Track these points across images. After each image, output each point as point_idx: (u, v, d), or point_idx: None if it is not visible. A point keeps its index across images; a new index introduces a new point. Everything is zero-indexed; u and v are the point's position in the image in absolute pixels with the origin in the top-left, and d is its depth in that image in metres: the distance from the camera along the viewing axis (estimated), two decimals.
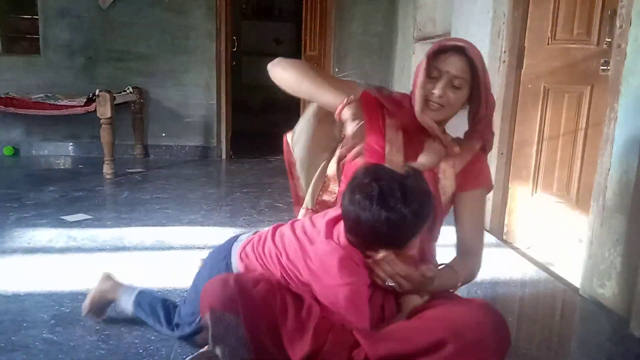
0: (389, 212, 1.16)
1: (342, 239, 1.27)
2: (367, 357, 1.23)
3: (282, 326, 1.25)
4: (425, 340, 1.19)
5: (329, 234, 1.29)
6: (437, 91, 1.43)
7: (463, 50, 1.42)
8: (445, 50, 1.44)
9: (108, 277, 1.82)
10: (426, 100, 1.46)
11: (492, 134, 1.60)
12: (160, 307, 1.67)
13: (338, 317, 1.27)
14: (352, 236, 1.25)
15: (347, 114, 1.35)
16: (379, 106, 1.52)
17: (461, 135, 1.59)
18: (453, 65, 1.43)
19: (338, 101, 1.37)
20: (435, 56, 1.45)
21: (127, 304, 1.73)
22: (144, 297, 1.72)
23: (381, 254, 1.24)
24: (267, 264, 1.38)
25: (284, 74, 1.49)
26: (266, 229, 1.48)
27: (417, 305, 1.35)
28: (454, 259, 1.50)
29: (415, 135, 1.52)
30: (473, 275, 1.53)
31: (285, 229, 1.41)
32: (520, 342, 1.79)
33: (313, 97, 1.47)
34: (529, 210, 2.87)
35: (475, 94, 1.47)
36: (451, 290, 1.48)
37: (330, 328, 1.26)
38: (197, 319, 1.48)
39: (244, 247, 1.45)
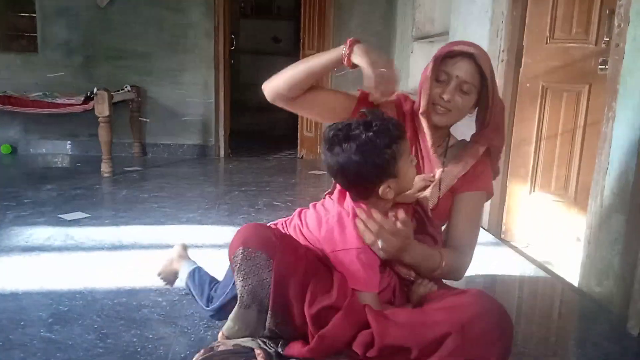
0: (354, 141, 1.20)
1: (351, 205, 1.32)
2: (371, 341, 1.24)
3: (313, 275, 1.29)
4: (432, 334, 1.21)
5: (340, 201, 1.35)
6: (446, 95, 1.45)
7: (473, 57, 1.43)
8: (455, 54, 1.45)
9: (182, 248, 1.92)
10: (433, 104, 1.47)
11: (502, 140, 1.59)
12: (207, 284, 1.70)
13: (351, 283, 1.30)
14: (346, 186, 1.31)
15: (363, 61, 1.38)
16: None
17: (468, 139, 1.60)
18: (462, 70, 1.44)
19: (336, 53, 1.43)
20: (443, 60, 1.46)
21: (183, 273, 1.80)
22: (199, 272, 1.76)
23: (382, 188, 1.26)
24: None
25: (278, 78, 1.51)
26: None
27: (424, 293, 1.38)
28: (442, 250, 1.49)
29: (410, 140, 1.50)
30: (456, 271, 1.50)
31: (310, 207, 1.48)
32: (519, 340, 1.79)
33: (313, 68, 1.48)
34: (527, 209, 2.87)
35: (483, 100, 1.49)
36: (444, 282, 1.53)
37: (349, 296, 1.28)
38: (228, 291, 1.49)
39: (275, 226, 1.51)
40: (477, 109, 1.56)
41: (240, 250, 1.26)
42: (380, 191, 1.26)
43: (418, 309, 1.30)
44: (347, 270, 1.30)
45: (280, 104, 1.55)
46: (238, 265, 1.26)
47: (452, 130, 1.65)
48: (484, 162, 1.57)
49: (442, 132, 1.58)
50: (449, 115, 1.49)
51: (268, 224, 1.49)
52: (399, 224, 1.29)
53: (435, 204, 1.51)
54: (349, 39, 1.43)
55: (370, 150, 1.19)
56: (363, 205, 1.31)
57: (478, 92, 1.48)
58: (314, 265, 1.33)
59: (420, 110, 1.49)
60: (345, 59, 1.42)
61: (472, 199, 1.55)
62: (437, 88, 1.47)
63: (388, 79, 1.38)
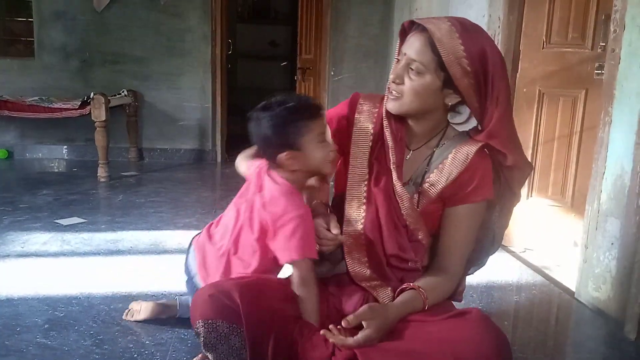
0: (268, 112, 1.32)
1: (279, 178, 1.35)
2: None
3: (298, 332, 1.23)
4: None
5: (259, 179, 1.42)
6: (391, 75, 1.27)
7: (426, 31, 1.22)
8: (413, 29, 1.27)
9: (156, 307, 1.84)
10: (388, 89, 1.30)
11: (511, 146, 1.30)
12: None
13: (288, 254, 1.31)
14: (260, 149, 1.40)
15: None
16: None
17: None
18: (412, 47, 1.25)
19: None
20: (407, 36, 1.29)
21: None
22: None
23: (283, 155, 1.31)
24: (215, 231, 1.47)
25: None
26: None
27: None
28: (425, 278, 1.33)
29: (398, 144, 1.34)
30: (444, 298, 1.34)
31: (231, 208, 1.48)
32: (516, 346, 1.79)
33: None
34: (525, 214, 2.87)
35: (459, 85, 1.23)
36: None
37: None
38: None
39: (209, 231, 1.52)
40: (462, 103, 1.29)
41: (201, 324, 1.19)
42: (282, 157, 1.32)
43: (412, 337, 1.19)
44: (285, 239, 1.31)
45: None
46: (203, 337, 1.19)
47: None
48: (486, 164, 1.30)
49: (422, 128, 1.34)
50: (398, 101, 1.27)
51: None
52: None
53: (415, 219, 1.33)
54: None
55: (278, 121, 1.31)
56: (276, 176, 1.35)
57: (439, 74, 1.23)
58: (282, 311, 1.25)
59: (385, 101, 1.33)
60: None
61: (468, 214, 1.32)
62: (393, 69, 1.29)
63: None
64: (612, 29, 2.04)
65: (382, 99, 1.38)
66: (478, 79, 1.22)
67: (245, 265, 1.37)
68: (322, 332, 1.16)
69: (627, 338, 1.87)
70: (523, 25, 2.78)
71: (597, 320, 2.04)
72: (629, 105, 1.95)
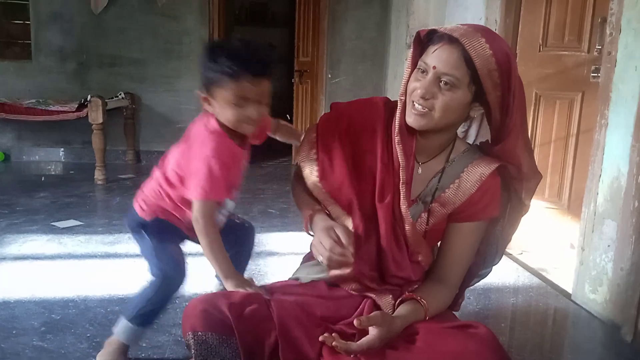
0: (213, 52, 1.34)
1: (212, 124, 1.36)
2: None
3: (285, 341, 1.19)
4: None
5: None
6: (420, 90, 1.18)
7: (458, 42, 1.15)
8: (439, 39, 1.19)
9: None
10: (412, 102, 1.21)
11: (528, 163, 1.27)
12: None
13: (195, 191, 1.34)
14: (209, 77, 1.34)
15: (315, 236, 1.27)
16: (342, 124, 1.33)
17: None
18: (440, 59, 1.16)
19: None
20: (427, 46, 1.22)
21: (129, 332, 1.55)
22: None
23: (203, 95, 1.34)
24: (148, 185, 1.51)
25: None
26: None
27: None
28: (425, 288, 1.31)
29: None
30: (444, 308, 1.33)
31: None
32: (513, 348, 1.79)
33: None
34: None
35: (484, 100, 1.20)
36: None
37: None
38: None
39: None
40: (483, 113, 1.27)
41: (190, 336, 1.16)
42: (198, 94, 1.36)
43: (415, 347, 1.15)
44: (192, 176, 1.34)
45: None
46: (194, 350, 1.17)
47: None
48: (495, 182, 1.27)
49: (437, 142, 1.29)
50: (428, 117, 1.19)
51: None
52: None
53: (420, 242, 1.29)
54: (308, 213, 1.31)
55: (208, 62, 1.32)
56: (211, 117, 1.36)
57: (471, 88, 1.18)
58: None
59: (397, 113, 1.24)
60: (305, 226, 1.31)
61: (472, 231, 1.30)
62: (416, 81, 1.20)
63: (338, 261, 1.21)
64: (608, 32, 2.05)
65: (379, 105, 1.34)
66: (504, 92, 1.19)
67: (165, 181, 1.45)
68: (321, 337, 1.15)
69: (624, 340, 1.88)
70: (520, 28, 2.79)
71: (593, 322, 2.04)
72: (625, 108, 1.95)
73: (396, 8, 4.86)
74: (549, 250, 2.74)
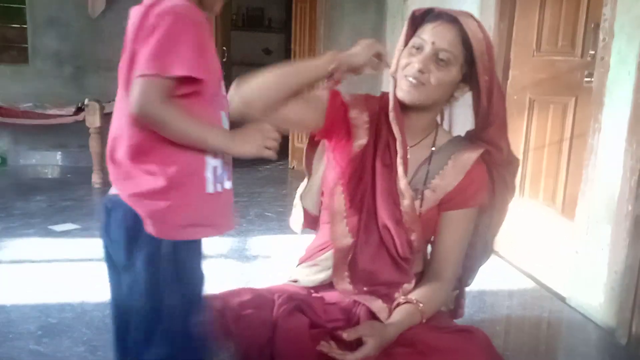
0: None
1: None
2: None
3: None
4: None
5: None
6: (417, 64, 1.20)
7: (457, 22, 1.19)
8: (436, 18, 1.22)
9: None
10: (405, 77, 1.23)
11: (507, 143, 1.33)
12: None
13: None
14: None
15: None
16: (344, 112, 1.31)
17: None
18: (441, 36, 1.19)
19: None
20: (422, 24, 1.24)
21: None
22: None
23: None
24: None
25: (260, 90, 1.32)
26: None
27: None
28: (420, 288, 1.31)
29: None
30: (441, 306, 1.36)
31: None
32: (508, 351, 1.80)
33: (303, 80, 1.30)
34: (516, 220, 2.89)
35: (475, 82, 1.23)
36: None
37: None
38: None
39: None
40: (471, 94, 1.29)
41: None
42: None
43: (409, 355, 1.16)
44: (146, 45, 0.92)
45: (238, 118, 1.29)
46: None
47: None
48: (482, 169, 1.31)
49: (421, 122, 1.31)
50: (420, 90, 1.21)
51: None
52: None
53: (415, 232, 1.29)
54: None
55: None
56: None
57: (462, 69, 1.22)
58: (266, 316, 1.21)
59: (391, 70, 1.26)
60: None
61: (462, 219, 1.33)
62: (410, 57, 1.22)
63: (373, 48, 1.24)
64: (601, 37, 2.07)
65: (368, 96, 1.36)
66: (491, 76, 1.22)
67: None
68: (318, 346, 1.16)
69: (618, 343, 1.89)
70: (514, 33, 2.81)
71: (588, 325, 2.06)
72: (618, 112, 1.97)
73: (391, 14, 4.89)
74: (543, 254, 2.75)
